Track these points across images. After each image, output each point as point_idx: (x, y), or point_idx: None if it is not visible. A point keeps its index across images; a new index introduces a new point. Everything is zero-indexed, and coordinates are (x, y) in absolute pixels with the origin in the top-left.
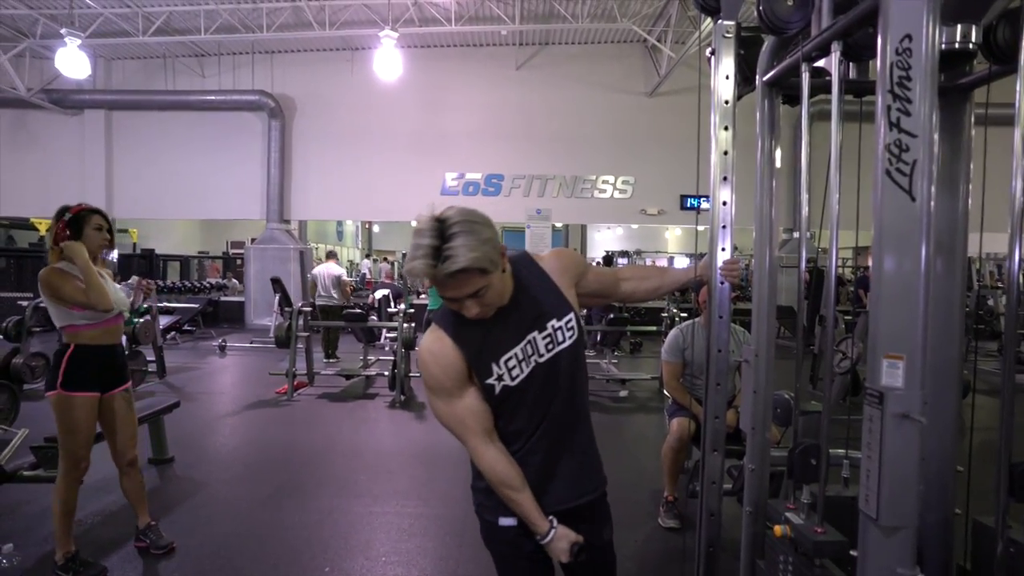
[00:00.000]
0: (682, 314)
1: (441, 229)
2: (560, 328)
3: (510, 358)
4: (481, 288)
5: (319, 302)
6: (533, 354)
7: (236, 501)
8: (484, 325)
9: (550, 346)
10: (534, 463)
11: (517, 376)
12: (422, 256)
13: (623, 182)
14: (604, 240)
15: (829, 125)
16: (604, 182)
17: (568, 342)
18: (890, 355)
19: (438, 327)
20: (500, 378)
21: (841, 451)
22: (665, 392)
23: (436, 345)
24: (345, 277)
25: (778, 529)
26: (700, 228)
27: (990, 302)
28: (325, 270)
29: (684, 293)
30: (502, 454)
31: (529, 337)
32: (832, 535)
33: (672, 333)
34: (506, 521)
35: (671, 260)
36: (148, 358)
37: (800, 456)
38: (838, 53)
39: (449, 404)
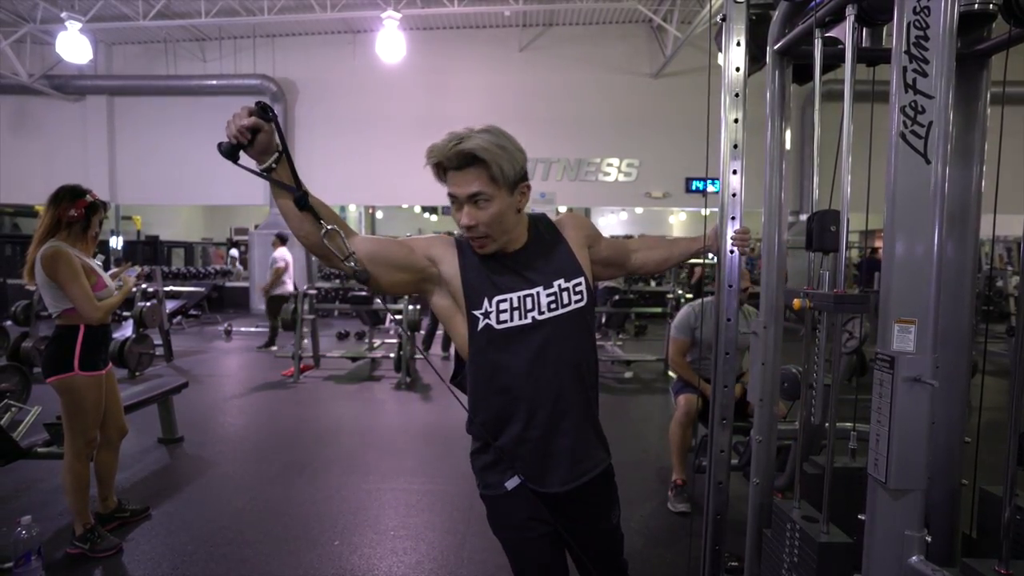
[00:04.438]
0: (688, 295)
1: (475, 129)
2: (568, 289)
3: (503, 300)
4: (481, 194)
5: (286, 291)
6: (533, 309)
7: (246, 478)
8: (491, 262)
9: (553, 306)
10: (533, 437)
11: (504, 322)
12: (445, 138)
13: (628, 165)
14: (608, 224)
15: (839, 106)
16: (608, 165)
17: (574, 306)
18: (902, 320)
19: (454, 238)
20: (487, 315)
21: (848, 424)
22: (670, 373)
23: (440, 236)
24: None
25: (797, 302)
26: (706, 212)
27: (999, 283)
28: (289, 257)
29: (691, 277)
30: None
31: (532, 291)
32: (835, 535)
33: (684, 310)
34: (512, 483)
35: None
36: (155, 342)
37: (818, 222)
38: (852, 17)
39: (391, 239)
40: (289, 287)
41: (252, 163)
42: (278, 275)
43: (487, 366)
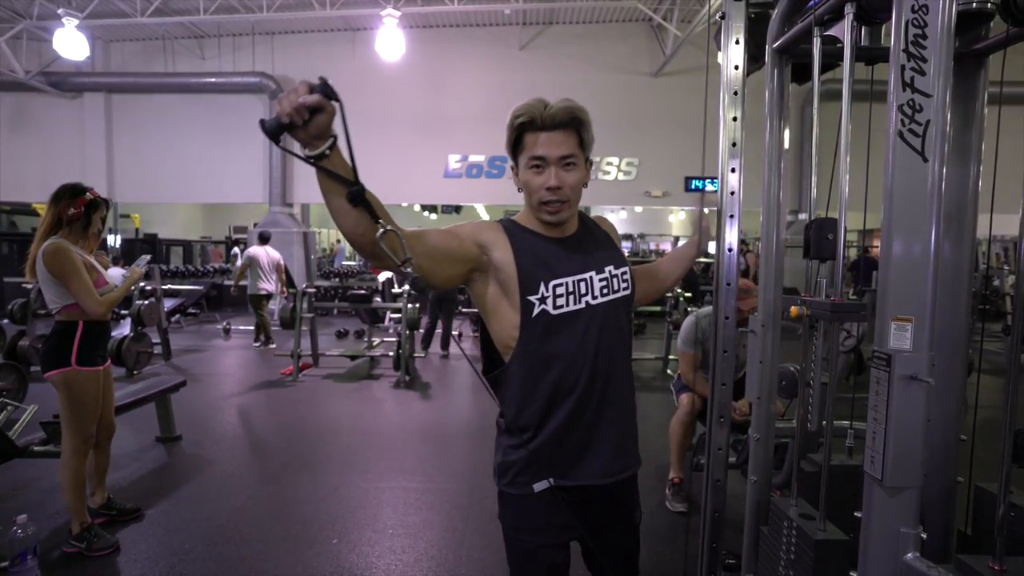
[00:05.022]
0: (687, 293)
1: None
2: (617, 276)
3: (560, 284)
4: (572, 157)
5: (258, 290)
6: (587, 294)
7: (244, 477)
8: (544, 247)
9: (605, 291)
10: (582, 424)
11: (560, 307)
12: (531, 101)
13: (627, 164)
14: None
15: (837, 105)
16: (608, 164)
17: (623, 293)
18: (898, 318)
19: (499, 222)
20: (543, 300)
21: (845, 422)
22: (669, 371)
23: (485, 222)
24: (282, 262)
25: (794, 310)
26: (705, 211)
27: (996, 282)
28: (265, 253)
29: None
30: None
31: (586, 275)
32: (832, 533)
33: (687, 321)
34: (540, 485)
35: (676, 241)
36: (153, 340)
37: (816, 230)
38: (851, 15)
39: (439, 230)
40: (264, 285)
41: (296, 147)
42: (242, 272)
43: (540, 353)
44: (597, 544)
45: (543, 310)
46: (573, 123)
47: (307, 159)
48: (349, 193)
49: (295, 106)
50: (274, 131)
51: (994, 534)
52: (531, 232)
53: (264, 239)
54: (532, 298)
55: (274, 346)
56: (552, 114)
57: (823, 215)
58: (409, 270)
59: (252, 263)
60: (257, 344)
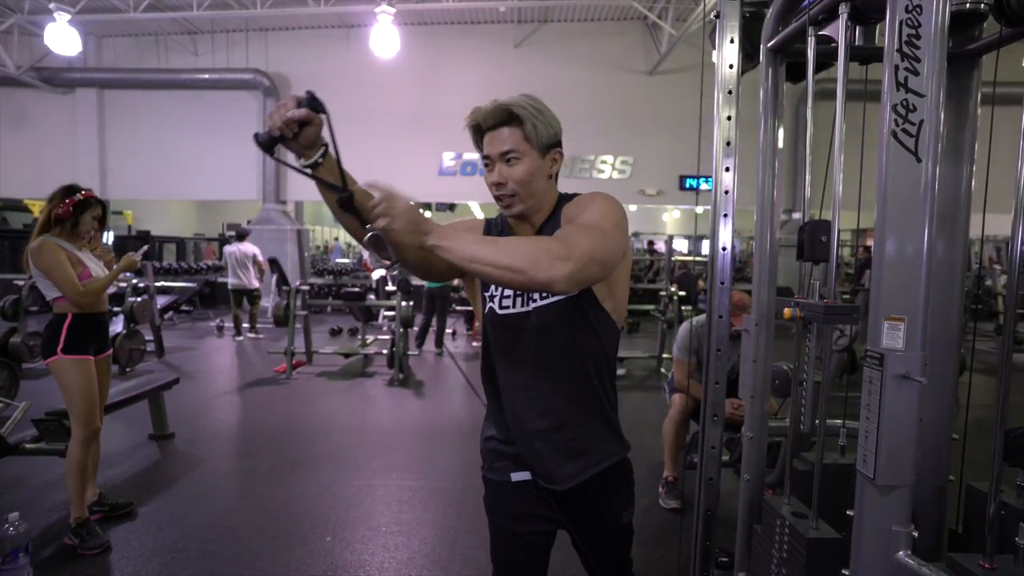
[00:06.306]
0: (680, 292)
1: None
2: None
3: None
4: (513, 151)
5: (233, 285)
6: (533, 296)
7: (237, 475)
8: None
9: (545, 292)
10: (536, 429)
11: (506, 308)
12: (481, 106)
13: (622, 162)
14: None
15: (831, 105)
16: (603, 162)
17: (563, 296)
18: (891, 317)
19: (487, 219)
20: (492, 298)
21: (838, 421)
22: (663, 370)
23: (474, 219)
24: (260, 257)
25: (787, 312)
26: (699, 210)
27: (988, 282)
28: (237, 249)
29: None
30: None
31: None
32: (824, 531)
33: (683, 328)
34: (519, 476)
35: (670, 240)
36: (146, 337)
37: (809, 232)
38: (845, 15)
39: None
40: (239, 281)
41: (291, 157)
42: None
43: (489, 351)
44: (583, 539)
45: (491, 308)
46: (509, 119)
47: (301, 169)
48: (339, 200)
49: (284, 120)
50: (267, 144)
51: (985, 532)
52: (506, 227)
53: (240, 236)
54: (486, 294)
55: (240, 338)
56: (484, 117)
57: (817, 214)
58: (395, 273)
59: (226, 260)
60: (239, 338)
